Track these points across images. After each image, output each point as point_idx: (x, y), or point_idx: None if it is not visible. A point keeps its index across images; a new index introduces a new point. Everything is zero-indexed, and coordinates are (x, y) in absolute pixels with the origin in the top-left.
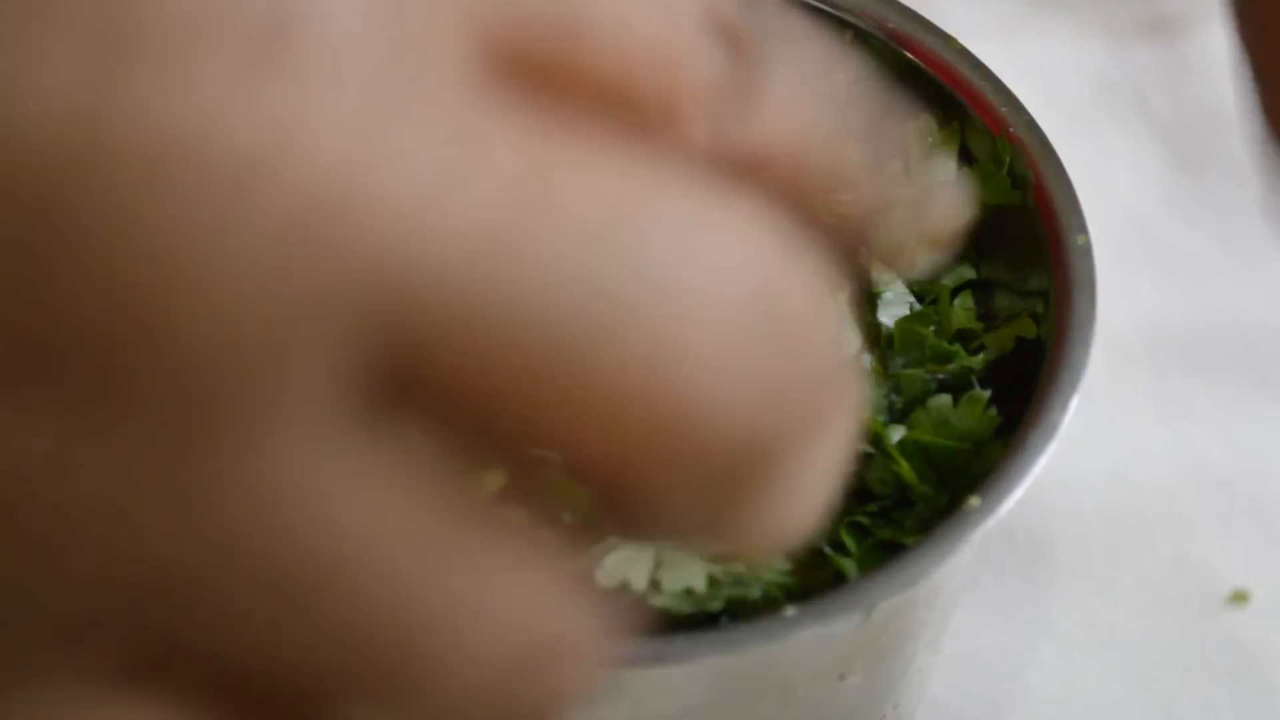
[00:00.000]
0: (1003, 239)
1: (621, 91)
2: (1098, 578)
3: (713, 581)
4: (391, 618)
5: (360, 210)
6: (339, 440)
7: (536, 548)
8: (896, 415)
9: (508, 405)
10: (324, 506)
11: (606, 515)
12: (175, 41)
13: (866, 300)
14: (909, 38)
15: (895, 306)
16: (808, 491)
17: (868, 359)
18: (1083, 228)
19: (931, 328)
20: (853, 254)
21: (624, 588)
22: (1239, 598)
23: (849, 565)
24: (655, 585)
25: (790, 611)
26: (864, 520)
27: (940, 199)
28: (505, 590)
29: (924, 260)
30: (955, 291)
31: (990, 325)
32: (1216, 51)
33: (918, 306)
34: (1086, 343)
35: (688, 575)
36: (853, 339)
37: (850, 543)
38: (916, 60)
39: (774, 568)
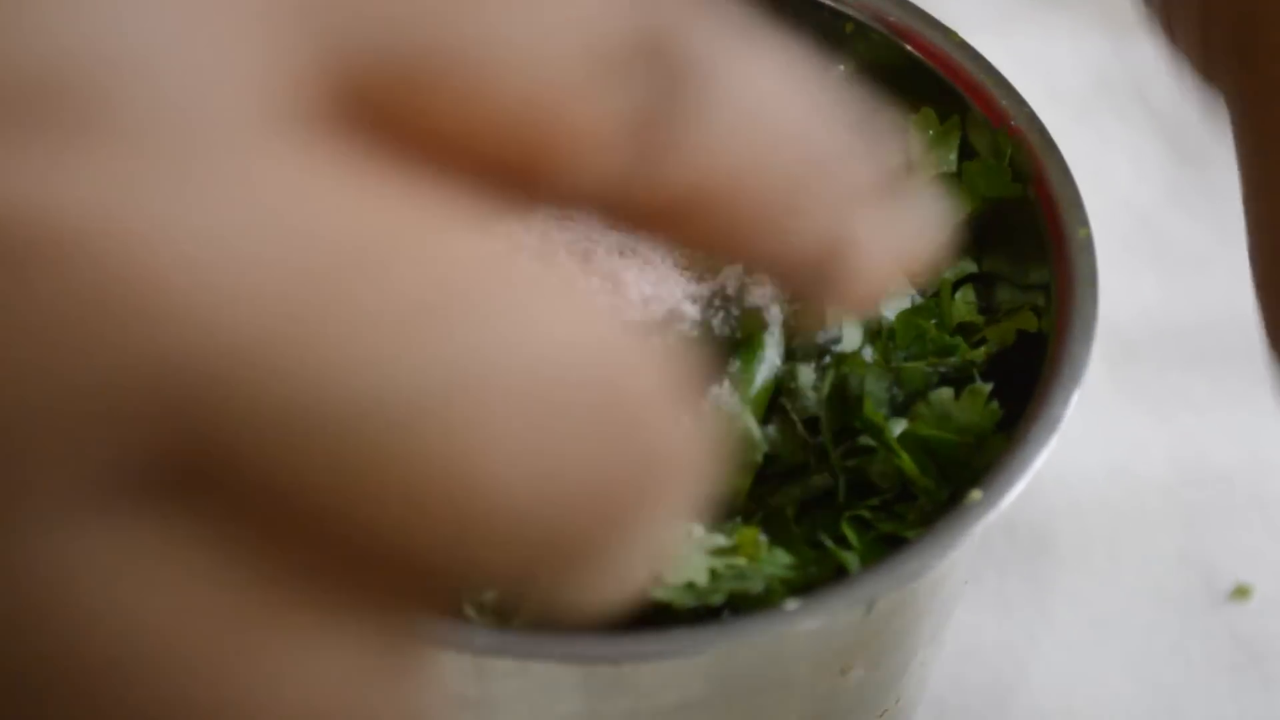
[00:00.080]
0: (1004, 232)
1: (506, 131)
2: (1099, 572)
3: (714, 575)
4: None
5: (129, 291)
6: (110, 523)
7: (348, 637)
8: (898, 408)
9: (304, 492)
10: (87, 589)
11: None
12: None
13: None
14: (909, 31)
15: (896, 300)
16: (620, 575)
17: (869, 352)
18: (1084, 221)
19: (933, 321)
20: (808, 294)
21: None
22: (1240, 592)
23: (851, 559)
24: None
25: (792, 605)
26: (866, 514)
27: (910, 226)
28: (306, 677)
29: (888, 295)
30: (956, 285)
31: (992, 318)
32: None
33: (919, 300)
34: (1088, 336)
35: (689, 569)
36: (853, 335)
37: (852, 536)
38: (917, 53)
39: (776, 561)
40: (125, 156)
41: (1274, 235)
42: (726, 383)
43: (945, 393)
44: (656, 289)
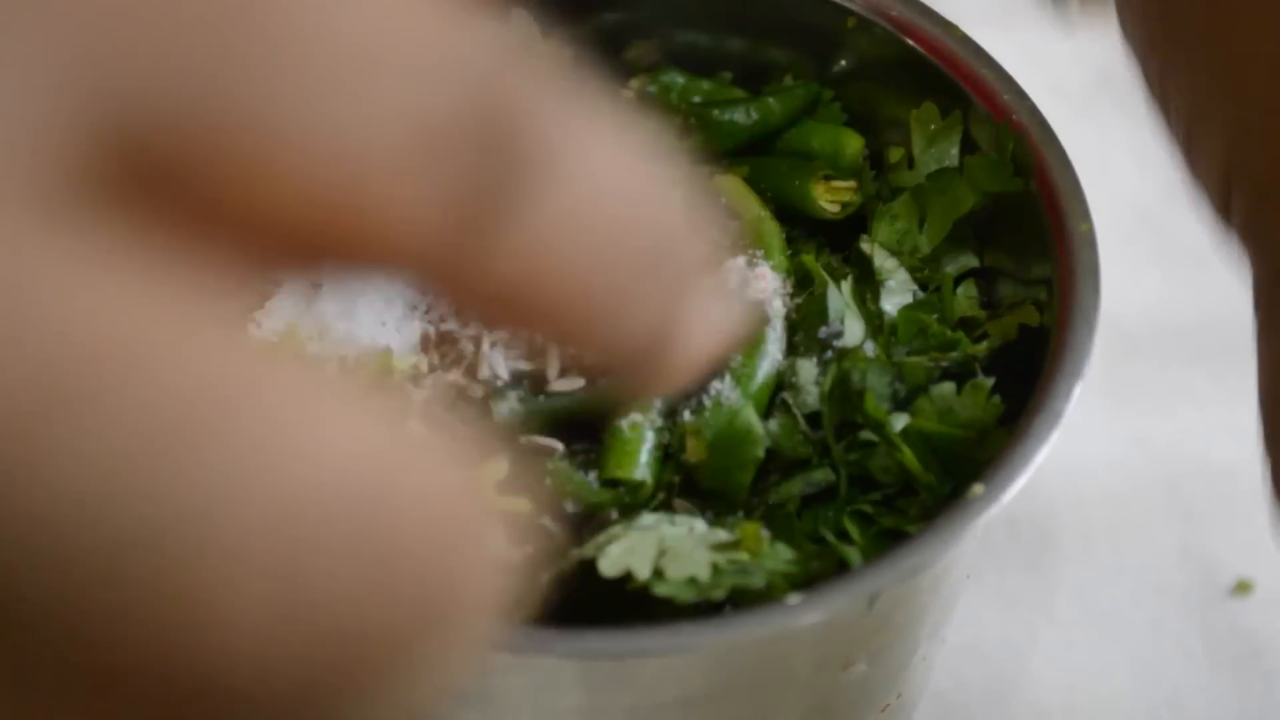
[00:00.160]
0: (1006, 227)
1: (304, 206)
2: (1101, 567)
3: (716, 570)
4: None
5: None
6: None
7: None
8: (900, 403)
9: (38, 613)
10: None
11: None
12: None
13: (870, 288)
14: (912, 25)
15: (898, 294)
16: (399, 705)
17: (871, 346)
18: (1086, 215)
19: (935, 316)
20: (625, 376)
21: (628, 576)
22: (1243, 587)
23: (852, 553)
24: (659, 574)
25: (794, 600)
26: (867, 508)
27: (729, 310)
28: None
29: (690, 377)
30: (958, 279)
31: (994, 313)
32: None
33: (921, 294)
34: (1090, 331)
35: (691, 564)
36: (855, 329)
37: (854, 531)
38: (919, 48)
39: (777, 556)
40: None
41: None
42: (728, 377)
43: (947, 387)
44: None
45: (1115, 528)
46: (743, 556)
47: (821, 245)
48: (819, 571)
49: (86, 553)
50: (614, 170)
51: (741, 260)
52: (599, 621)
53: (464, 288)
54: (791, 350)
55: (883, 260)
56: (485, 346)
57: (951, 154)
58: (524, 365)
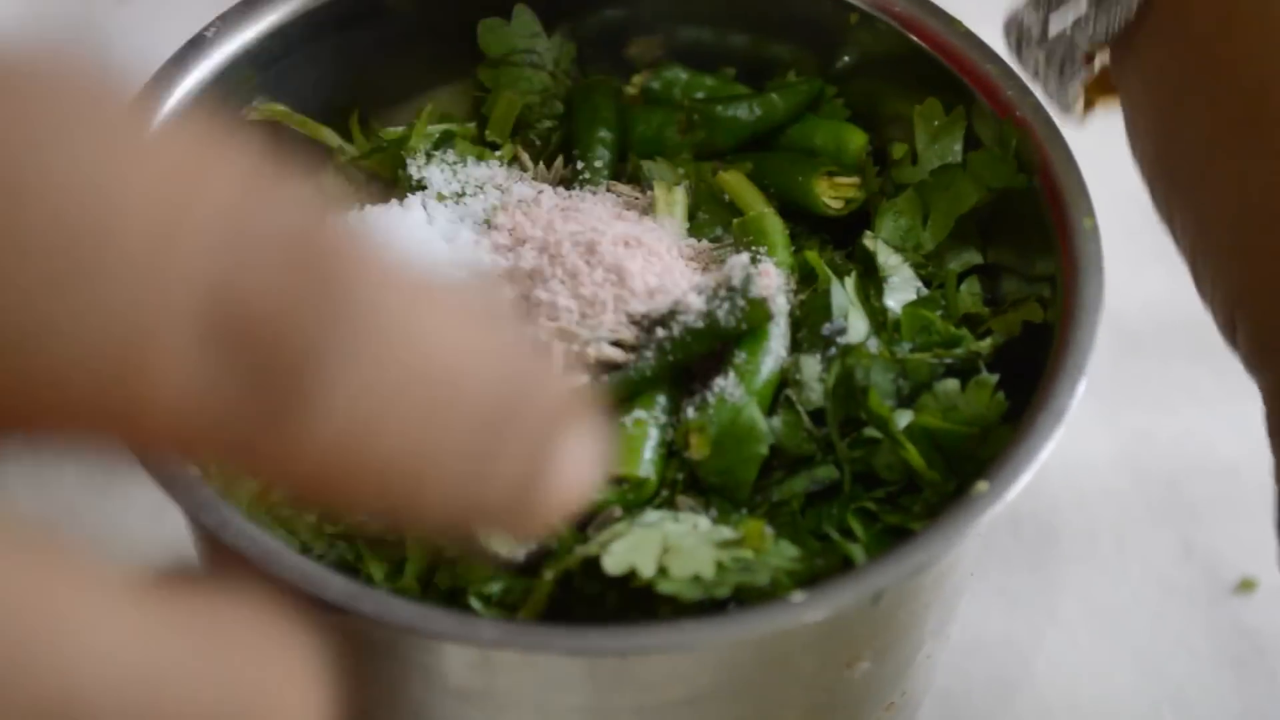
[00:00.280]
0: (1009, 223)
1: (77, 411)
2: (1104, 565)
3: (720, 568)
4: None
5: None
6: None
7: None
8: (904, 400)
9: None
10: None
11: None
12: None
13: (873, 284)
14: (914, 21)
15: (902, 291)
16: None
17: (875, 343)
18: (1090, 211)
19: (939, 312)
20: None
21: (632, 574)
22: (1246, 585)
23: (857, 551)
24: (663, 571)
25: (798, 598)
26: (871, 506)
27: (585, 457)
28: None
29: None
30: (962, 276)
31: (997, 310)
32: None
33: (925, 291)
34: (1094, 327)
35: (695, 561)
36: (859, 326)
37: (858, 528)
38: (922, 44)
39: (781, 554)
40: None
41: None
42: (732, 374)
43: (951, 384)
44: (662, 280)
45: (1118, 525)
46: (747, 554)
47: (825, 241)
48: (823, 569)
49: None
50: (444, 332)
51: (745, 256)
52: (603, 619)
53: (273, 471)
54: (795, 347)
55: (886, 257)
56: None
57: (955, 150)
58: None
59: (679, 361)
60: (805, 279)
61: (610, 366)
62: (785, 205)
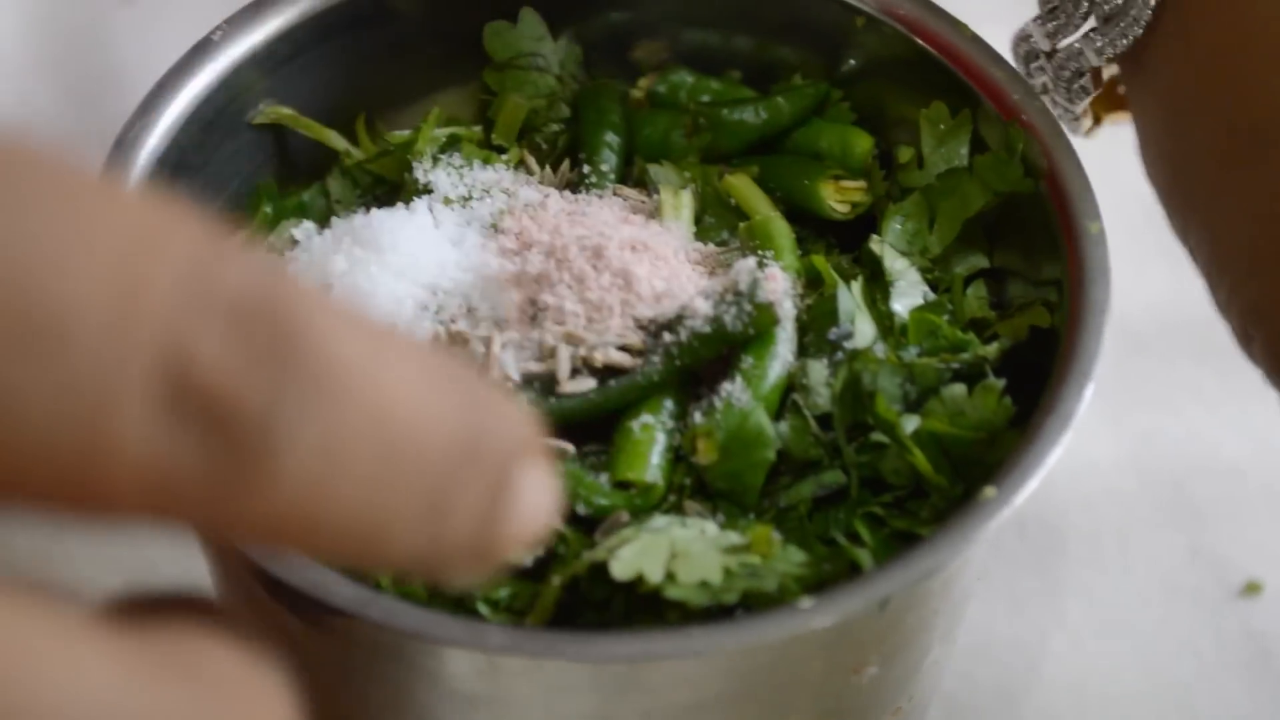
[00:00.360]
0: (1015, 227)
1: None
2: (1110, 568)
3: (728, 573)
4: None
5: None
6: None
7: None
8: (911, 405)
9: None
10: None
11: None
12: None
13: (880, 289)
14: (920, 24)
15: (909, 295)
16: None
17: (882, 348)
18: (1096, 215)
19: (945, 317)
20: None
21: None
22: (1252, 588)
23: (864, 556)
24: (671, 577)
25: (806, 603)
26: (879, 511)
27: (537, 499)
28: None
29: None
30: (968, 280)
31: (1004, 314)
32: None
33: (931, 296)
34: (1100, 331)
35: (703, 567)
36: (866, 330)
37: (865, 533)
38: (928, 47)
39: (789, 559)
40: None
41: None
42: (739, 379)
43: (958, 389)
44: (668, 284)
45: (1123, 528)
46: (754, 559)
47: (831, 246)
48: (830, 574)
49: None
50: (399, 384)
51: (751, 260)
52: (611, 625)
53: (235, 530)
54: (802, 351)
55: (893, 261)
56: (496, 348)
57: (961, 154)
58: (535, 367)
59: (686, 366)
60: (812, 283)
61: (617, 371)
62: (791, 209)
